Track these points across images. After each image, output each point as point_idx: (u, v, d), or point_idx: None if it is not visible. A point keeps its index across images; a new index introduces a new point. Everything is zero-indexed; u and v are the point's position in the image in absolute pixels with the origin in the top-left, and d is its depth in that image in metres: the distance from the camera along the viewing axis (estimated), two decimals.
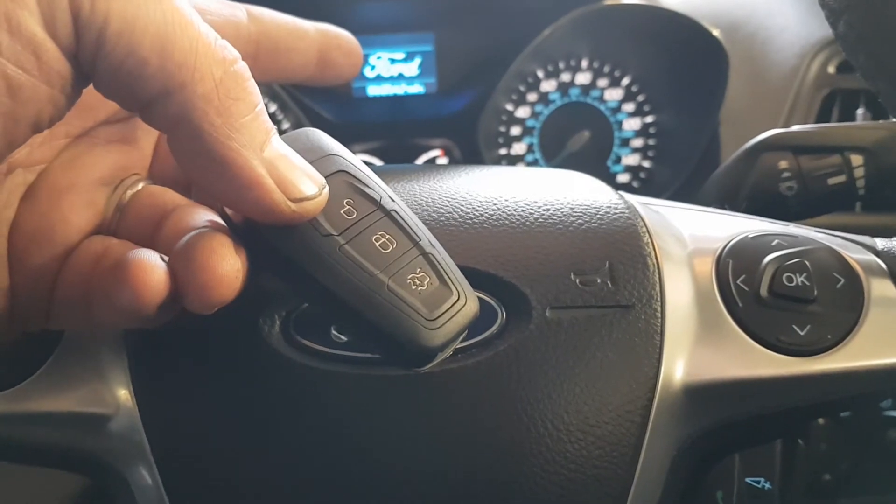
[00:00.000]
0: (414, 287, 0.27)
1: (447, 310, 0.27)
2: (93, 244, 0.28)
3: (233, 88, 0.24)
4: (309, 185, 0.26)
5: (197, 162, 0.24)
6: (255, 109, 0.25)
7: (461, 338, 0.28)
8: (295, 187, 0.25)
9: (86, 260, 0.27)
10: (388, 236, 0.27)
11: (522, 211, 0.36)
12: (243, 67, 0.24)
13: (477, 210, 0.36)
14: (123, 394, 0.32)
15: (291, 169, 0.25)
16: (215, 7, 0.32)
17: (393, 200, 0.29)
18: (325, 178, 0.27)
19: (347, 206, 0.27)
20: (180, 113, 0.23)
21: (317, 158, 0.28)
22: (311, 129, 0.30)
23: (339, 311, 0.26)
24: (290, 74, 0.35)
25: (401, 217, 0.28)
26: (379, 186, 0.29)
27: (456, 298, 0.27)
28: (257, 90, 0.25)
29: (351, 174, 0.28)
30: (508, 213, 0.36)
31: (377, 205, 0.28)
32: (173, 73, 0.22)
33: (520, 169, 0.42)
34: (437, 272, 0.28)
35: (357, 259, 0.26)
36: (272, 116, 0.84)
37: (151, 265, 0.24)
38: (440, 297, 0.27)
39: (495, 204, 0.36)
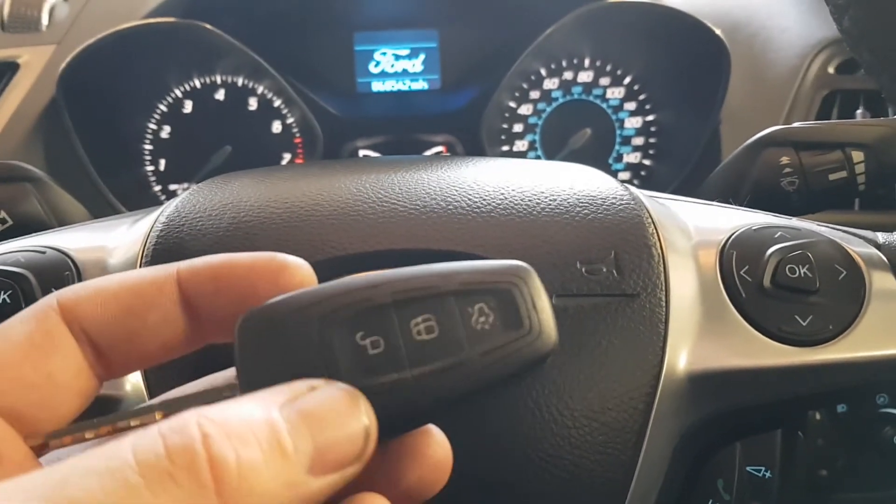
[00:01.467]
0: (487, 327, 0.23)
1: (525, 307, 0.23)
2: None
3: None
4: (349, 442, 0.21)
5: None
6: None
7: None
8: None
9: None
10: (422, 317, 0.23)
11: (529, 201, 0.36)
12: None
13: (484, 199, 0.36)
14: (134, 375, 0.32)
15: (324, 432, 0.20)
16: None
17: (381, 283, 0.23)
18: (318, 338, 0.22)
19: (369, 342, 0.23)
20: None
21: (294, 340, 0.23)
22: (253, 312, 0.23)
23: (465, 402, 0.23)
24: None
25: (407, 292, 0.23)
26: (358, 289, 0.23)
27: (515, 286, 0.24)
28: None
29: (336, 313, 0.23)
30: (515, 202, 0.36)
31: (386, 310, 0.23)
32: None
33: (526, 160, 0.42)
34: (479, 292, 0.23)
35: (431, 368, 0.22)
36: (276, 111, 0.85)
37: None
38: (509, 305, 0.23)
39: (502, 193, 0.37)
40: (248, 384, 0.22)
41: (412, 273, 0.24)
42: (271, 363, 0.22)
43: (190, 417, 0.18)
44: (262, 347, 0.23)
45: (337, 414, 0.20)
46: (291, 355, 0.22)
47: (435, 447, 0.24)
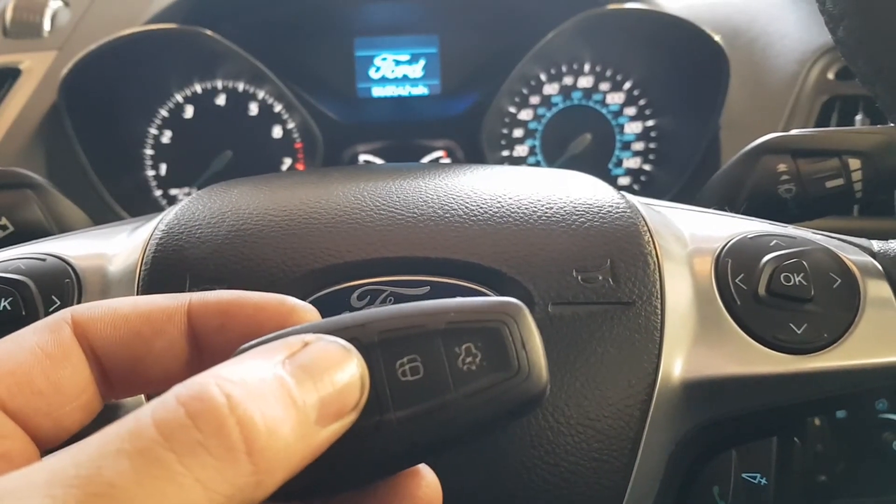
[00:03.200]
0: (474, 368, 0.22)
1: (513, 348, 0.23)
2: None
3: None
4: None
5: None
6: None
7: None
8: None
9: None
10: (407, 357, 0.22)
11: (526, 209, 0.36)
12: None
13: (481, 207, 0.36)
14: None
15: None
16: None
17: (368, 322, 0.23)
18: None
19: None
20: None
21: None
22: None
23: (452, 446, 0.23)
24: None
25: (393, 331, 0.23)
26: (345, 328, 0.23)
27: (504, 326, 0.23)
28: None
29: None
30: (512, 210, 0.36)
31: (371, 350, 0.22)
32: None
33: (523, 168, 0.42)
34: (467, 332, 0.23)
35: (414, 411, 0.22)
36: (277, 116, 0.85)
37: None
38: (497, 345, 0.23)
39: (499, 201, 0.37)
40: None
41: (399, 311, 0.23)
42: None
43: (207, 380, 0.18)
44: None
45: (334, 365, 0.21)
46: None
47: (424, 489, 0.24)
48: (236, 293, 0.25)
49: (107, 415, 0.25)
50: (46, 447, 0.23)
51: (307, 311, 0.25)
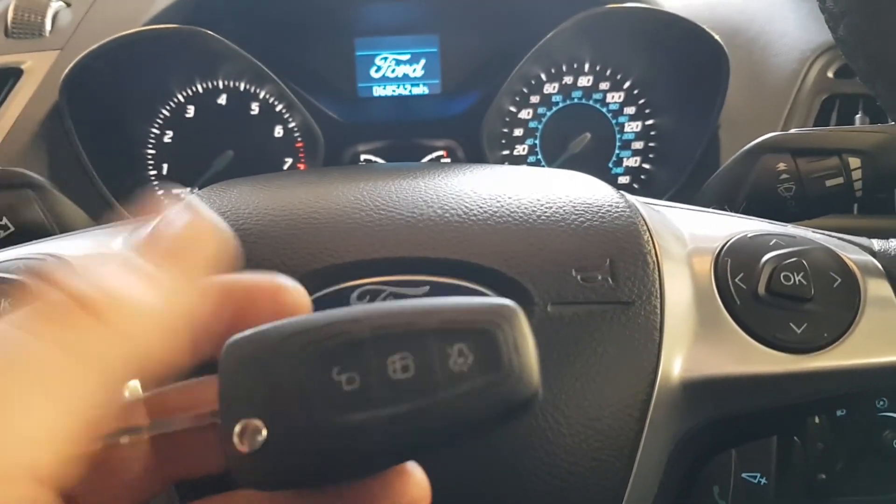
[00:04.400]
0: (465, 369, 0.22)
1: (506, 350, 0.22)
2: None
3: None
4: None
5: None
6: None
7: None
8: None
9: None
10: (398, 356, 0.22)
11: (525, 208, 0.36)
12: None
13: (481, 207, 0.36)
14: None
15: None
16: None
17: (362, 318, 0.23)
18: (294, 372, 0.22)
19: (345, 377, 0.22)
20: None
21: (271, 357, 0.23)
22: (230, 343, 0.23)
23: (439, 446, 0.22)
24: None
25: (386, 328, 0.22)
26: (338, 322, 0.23)
27: (498, 328, 0.22)
28: None
29: (314, 347, 0.22)
30: (511, 210, 0.36)
31: (363, 346, 0.22)
32: None
33: (523, 168, 0.42)
34: (460, 332, 0.22)
35: (404, 409, 0.22)
36: (278, 115, 0.85)
37: None
38: (489, 347, 0.22)
39: (498, 201, 0.37)
40: (226, 414, 0.22)
41: (394, 308, 0.23)
42: (250, 394, 0.22)
43: None
44: (242, 378, 0.23)
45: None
46: (268, 388, 0.22)
47: (412, 487, 0.24)
48: (229, 276, 0.25)
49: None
50: None
51: (296, 289, 0.26)
